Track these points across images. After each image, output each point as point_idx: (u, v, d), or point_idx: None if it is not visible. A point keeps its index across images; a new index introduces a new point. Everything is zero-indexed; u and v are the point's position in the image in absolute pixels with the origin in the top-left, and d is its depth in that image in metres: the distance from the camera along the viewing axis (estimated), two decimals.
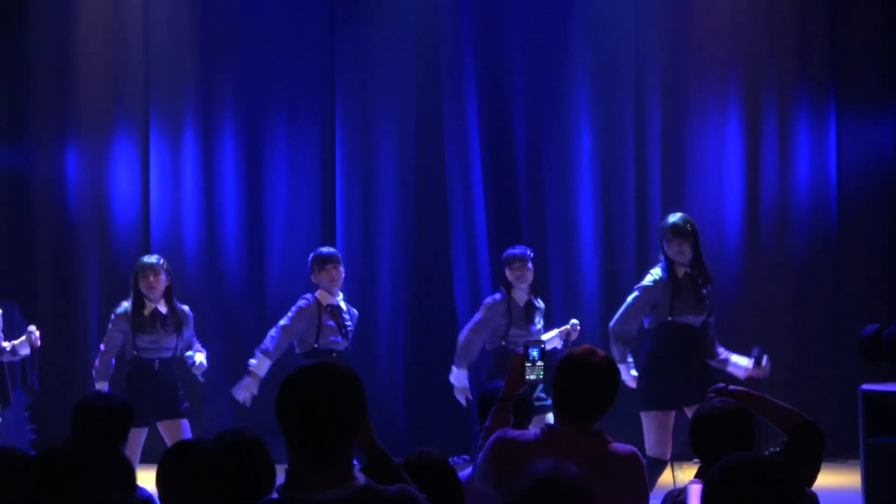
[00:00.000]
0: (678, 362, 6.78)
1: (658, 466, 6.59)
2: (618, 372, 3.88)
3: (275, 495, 2.83)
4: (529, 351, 4.02)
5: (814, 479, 3.82)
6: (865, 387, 7.20)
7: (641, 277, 9.16)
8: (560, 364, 3.87)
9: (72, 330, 9.24)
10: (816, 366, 9.19)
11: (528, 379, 4.03)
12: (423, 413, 9.31)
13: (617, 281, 9.22)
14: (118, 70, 9.44)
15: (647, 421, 6.77)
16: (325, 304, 7.34)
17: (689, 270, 6.88)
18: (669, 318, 6.85)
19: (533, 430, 3.96)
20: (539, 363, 4.02)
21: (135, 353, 7.16)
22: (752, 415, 3.83)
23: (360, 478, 2.81)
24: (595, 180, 9.31)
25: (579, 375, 3.79)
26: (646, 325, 7.00)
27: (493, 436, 3.89)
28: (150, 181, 9.45)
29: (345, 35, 9.43)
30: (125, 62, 9.44)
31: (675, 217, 6.94)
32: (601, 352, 3.90)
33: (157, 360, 7.18)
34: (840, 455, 8.31)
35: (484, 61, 9.38)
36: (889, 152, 9.31)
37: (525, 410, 4.68)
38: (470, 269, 9.23)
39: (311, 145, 9.52)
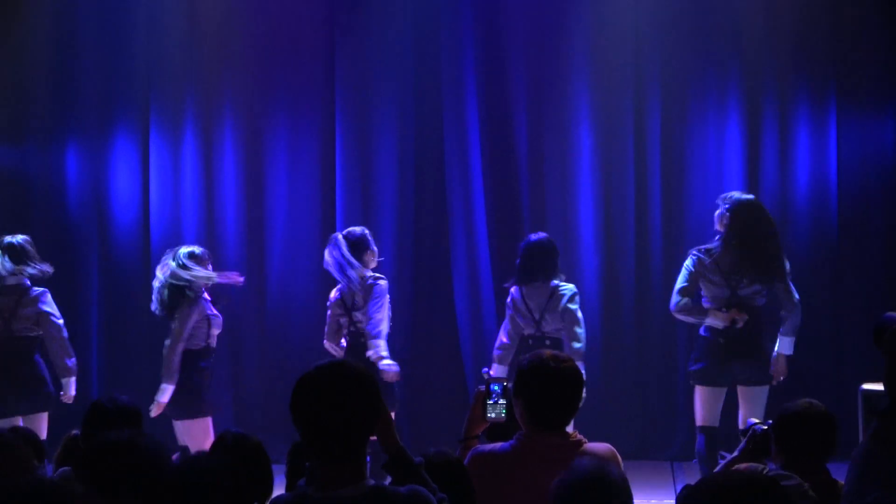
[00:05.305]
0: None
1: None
2: (581, 373, 3.90)
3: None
4: (492, 387, 3.89)
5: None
6: (865, 387, 7.20)
7: (640, 277, 9.25)
8: (525, 372, 3.81)
9: (72, 330, 9.19)
10: (816, 366, 9.17)
11: (489, 417, 3.90)
12: (423, 411, 9.31)
13: (617, 281, 9.23)
14: (118, 70, 9.43)
15: None
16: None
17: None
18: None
19: (505, 442, 3.86)
20: (501, 401, 3.87)
21: None
22: (836, 418, 4.17)
23: (371, 479, 2.83)
24: (595, 180, 9.31)
25: (549, 382, 3.76)
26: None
27: (468, 456, 3.83)
28: (150, 181, 9.45)
29: (345, 34, 9.42)
30: (125, 62, 9.44)
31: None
32: (563, 355, 3.87)
33: None
34: (840, 455, 8.29)
35: (484, 61, 9.37)
36: (889, 152, 9.30)
37: (512, 432, 4.61)
38: (470, 268, 9.22)
39: (311, 145, 9.52)
